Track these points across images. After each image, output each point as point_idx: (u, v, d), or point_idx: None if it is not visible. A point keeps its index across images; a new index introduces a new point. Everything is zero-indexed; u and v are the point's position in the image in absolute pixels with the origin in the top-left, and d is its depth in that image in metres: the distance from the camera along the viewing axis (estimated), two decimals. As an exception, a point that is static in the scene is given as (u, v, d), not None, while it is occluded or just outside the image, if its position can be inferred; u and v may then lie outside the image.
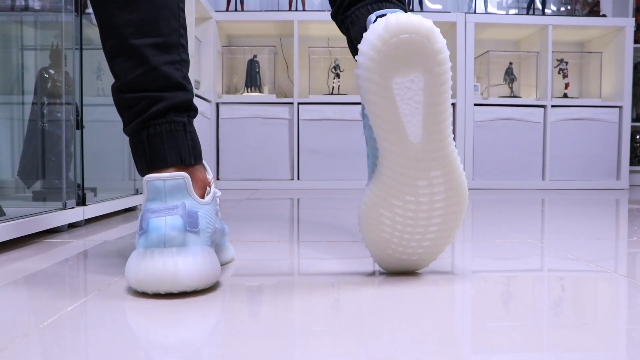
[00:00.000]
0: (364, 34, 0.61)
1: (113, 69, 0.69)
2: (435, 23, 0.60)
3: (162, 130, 0.66)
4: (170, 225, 0.60)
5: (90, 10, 1.22)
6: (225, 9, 2.78)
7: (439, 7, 2.96)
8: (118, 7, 0.66)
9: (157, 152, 0.66)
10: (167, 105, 0.67)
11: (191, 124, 0.70)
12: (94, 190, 1.23)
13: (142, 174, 0.67)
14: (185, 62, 0.70)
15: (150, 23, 0.67)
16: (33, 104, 1.19)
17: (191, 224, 0.61)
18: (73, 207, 1.13)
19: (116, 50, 0.67)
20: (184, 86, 0.69)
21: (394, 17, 0.59)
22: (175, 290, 0.59)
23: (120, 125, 0.70)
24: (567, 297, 0.62)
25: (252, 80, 2.71)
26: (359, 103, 0.67)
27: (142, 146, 0.67)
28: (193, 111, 0.70)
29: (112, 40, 0.67)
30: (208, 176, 0.70)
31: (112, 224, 1.22)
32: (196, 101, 2.12)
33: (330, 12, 0.88)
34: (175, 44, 0.69)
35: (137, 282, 0.59)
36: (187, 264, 0.59)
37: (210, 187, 0.69)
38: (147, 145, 0.66)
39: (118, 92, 0.68)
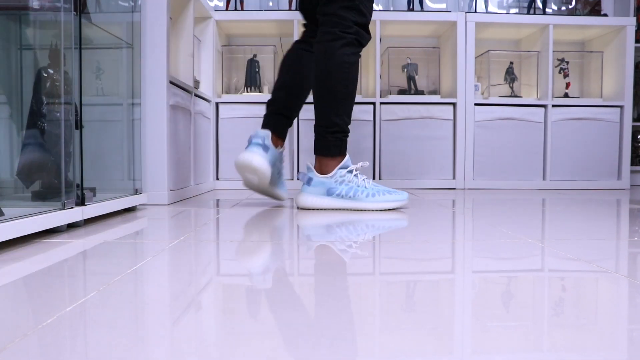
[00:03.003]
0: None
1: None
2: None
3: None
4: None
5: (89, 9, 1.21)
6: (225, 8, 2.77)
7: (439, 6, 2.96)
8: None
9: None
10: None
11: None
12: (93, 190, 1.23)
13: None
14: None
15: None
16: (32, 103, 1.18)
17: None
18: (72, 207, 1.13)
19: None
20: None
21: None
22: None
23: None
24: (568, 297, 0.62)
25: (252, 80, 2.71)
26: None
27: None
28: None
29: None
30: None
31: (111, 224, 1.22)
32: (196, 101, 2.12)
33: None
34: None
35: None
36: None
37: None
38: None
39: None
